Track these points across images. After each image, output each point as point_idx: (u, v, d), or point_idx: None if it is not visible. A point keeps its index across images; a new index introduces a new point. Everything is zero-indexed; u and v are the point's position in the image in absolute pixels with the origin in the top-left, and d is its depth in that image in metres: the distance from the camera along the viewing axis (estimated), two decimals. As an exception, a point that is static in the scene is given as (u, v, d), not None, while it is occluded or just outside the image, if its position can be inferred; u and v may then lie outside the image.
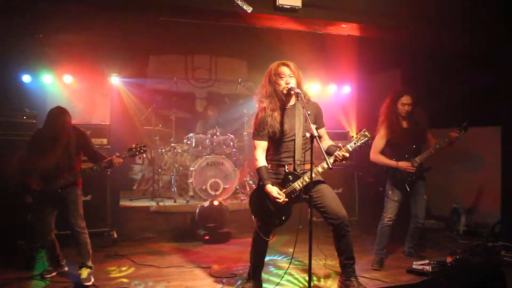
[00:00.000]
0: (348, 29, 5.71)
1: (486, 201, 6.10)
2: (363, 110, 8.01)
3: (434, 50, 6.48)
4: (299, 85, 3.62)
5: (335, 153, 3.55)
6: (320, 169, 3.63)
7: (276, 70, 3.66)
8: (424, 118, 4.85)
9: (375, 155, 4.82)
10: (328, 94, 8.41)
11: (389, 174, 4.81)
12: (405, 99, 4.77)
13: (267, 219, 3.73)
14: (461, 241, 5.76)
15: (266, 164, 3.71)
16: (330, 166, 3.36)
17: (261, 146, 3.72)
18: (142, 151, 4.43)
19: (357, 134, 3.67)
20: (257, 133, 3.72)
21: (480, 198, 6.19)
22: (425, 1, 5.21)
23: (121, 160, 4.31)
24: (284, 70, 3.64)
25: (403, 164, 4.71)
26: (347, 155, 3.54)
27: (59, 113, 4.30)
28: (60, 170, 4.20)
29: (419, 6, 5.25)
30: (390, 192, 4.78)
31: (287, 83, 3.61)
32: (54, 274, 4.40)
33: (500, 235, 5.58)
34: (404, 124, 4.82)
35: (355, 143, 3.61)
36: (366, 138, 3.62)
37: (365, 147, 3.80)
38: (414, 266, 4.47)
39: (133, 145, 4.42)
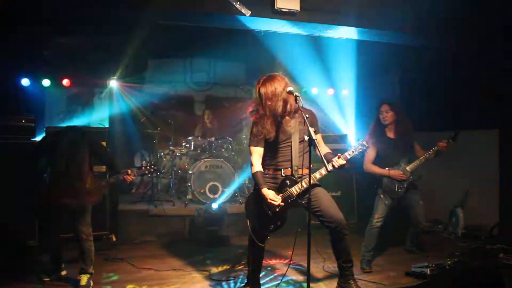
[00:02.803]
0: (346, 32, 5.74)
1: (484, 203, 6.11)
2: (362, 113, 8.03)
3: (432, 53, 6.51)
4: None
5: (332, 160, 3.56)
6: (318, 176, 3.66)
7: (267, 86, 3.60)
8: (409, 127, 4.92)
9: (368, 165, 4.92)
10: (327, 97, 8.43)
11: (382, 183, 4.86)
12: (383, 107, 4.89)
13: (263, 224, 3.73)
14: (460, 244, 5.77)
15: (261, 170, 3.72)
16: (329, 170, 3.37)
17: (258, 152, 3.73)
18: (151, 170, 4.52)
19: (355, 138, 3.71)
20: (253, 140, 3.73)
21: (478, 201, 6.20)
22: (422, 4, 5.24)
23: (134, 177, 4.38)
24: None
25: (395, 173, 4.78)
26: (345, 162, 3.57)
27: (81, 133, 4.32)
28: (75, 190, 4.11)
29: (416, 9, 5.28)
30: (381, 195, 4.83)
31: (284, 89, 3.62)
32: (53, 277, 4.38)
33: (499, 238, 5.60)
34: (391, 135, 4.90)
35: (353, 152, 3.65)
36: (364, 148, 3.68)
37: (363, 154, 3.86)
38: (412, 269, 4.48)
39: (143, 163, 4.48)
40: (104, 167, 5.25)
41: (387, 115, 4.85)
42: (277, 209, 3.61)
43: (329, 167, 3.48)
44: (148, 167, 4.48)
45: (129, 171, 4.34)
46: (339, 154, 3.60)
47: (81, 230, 4.19)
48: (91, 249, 4.25)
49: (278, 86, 3.55)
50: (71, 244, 4.36)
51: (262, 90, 3.57)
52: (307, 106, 3.81)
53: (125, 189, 7.88)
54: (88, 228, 4.23)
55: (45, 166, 4.29)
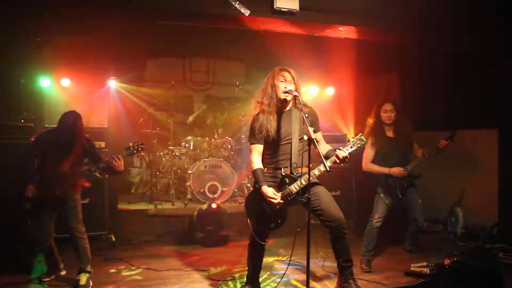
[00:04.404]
0: (345, 32, 5.73)
1: (484, 203, 6.10)
2: (361, 113, 8.02)
3: (431, 52, 6.50)
4: (297, 92, 3.65)
5: (335, 152, 3.56)
6: (317, 172, 3.65)
7: (278, 74, 3.70)
8: (408, 127, 4.95)
9: (367, 165, 4.93)
10: (326, 97, 8.43)
11: (382, 182, 4.86)
12: (386, 106, 4.89)
13: (263, 222, 3.73)
14: (459, 243, 5.76)
15: (261, 167, 3.72)
16: (328, 169, 3.37)
17: (257, 149, 3.74)
18: (140, 149, 4.39)
19: (353, 138, 3.69)
20: (254, 136, 3.74)
21: (478, 200, 6.19)
22: (421, 3, 5.24)
23: (121, 161, 4.26)
24: (285, 75, 3.69)
25: (395, 170, 4.79)
26: (346, 154, 3.56)
27: (76, 117, 4.28)
28: (63, 176, 4.14)
29: (416, 8, 5.28)
30: (382, 195, 4.83)
31: (285, 88, 3.63)
32: (52, 277, 4.39)
33: (498, 237, 5.59)
34: (390, 134, 4.92)
35: (351, 147, 3.64)
36: (363, 142, 3.66)
37: (361, 151, 3.85)
38: (412, 268, 4.48)
39: (130, 144, 4.38)
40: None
41: (392, 115, 4.86)
42: (277, 207, 3.60)
43: (328, 164, 3.44)
44: (136, 146, 4.37)
45: (116, 155, 4.27)
46: (340, 148, 3.61)
47: (74, 228, 4.19)
48: (86, 246, 4.25)
49: (270, 73, 3.75)
50: (70, 244, 4.35)
51: (264, 80, 3.79)
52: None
53: (124, 189, 7.88)
54: (81, 226, 4.23)
55: (36, 167, 4.29)
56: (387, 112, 4.87)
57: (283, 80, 3.66)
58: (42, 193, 4.15)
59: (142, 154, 8.05)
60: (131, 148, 4.37)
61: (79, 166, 4.29)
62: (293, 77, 3.69)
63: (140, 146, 4.39)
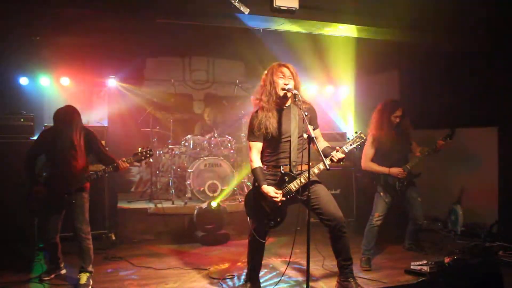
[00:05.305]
0: (345, 30, 5.72)
1: (484, 201, 6.11)
2: (361, 111, 8.03)
3: (431, 50, 6.50)
4: (296, 88, 3.63)
5: (331, 154, 3.56)
6: (316, 171, 3.64)
7: (277, 70, 3.67)
8: (409, 126, 4.96)
9: (367, 163, 4.91)
10: (326, 95, 8.43)
11: (381, 180, 4.86)
12: (398, 112, 4.87)
13: (263, 221, 3.73)
14: (459, 242, 5.77)
15: (261, 165, 3.71)
16: (328, 167, 3.37)
17: (256, 147, 3.73)
18: (148, 155, 4.35)
19: (353, 135, 3.70)
20: (253, 134, 3.72)
21: (478, 199, 6.20)
22: (421, 2, 5.23)
23: (128, 165, 4.24)
24: (284, 71, 3.66)
25: (395, 170, 4.78)
26: (343, 156, 3.56)
27: (70, 112, 4.23)
28: (69, 173, 4.13)
29: (416, 7, 5.26)
30: (381, 193, 4.83)
31: (285, 84, 3.62)
32: (52, 276, 4.39)
33: (498, 235, 5.60)
34: (392, 133, 4.89)
35: (351, 145, 3.64)
36: (362, 140, 3.66)
37: (361, 149, 3.84)
38: (412, 267, 4.49)
39: (139, 149, 4.33)
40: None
41: (400, 120, 4.86)
42: (278, 205, 3.60)
43: (327, 162, 3.44)
44: (144, 153, 4.33)
45: (124, 159, 4.24)
46: (337, 148, 3.60)
47: (80, 228, 4.18)
48: (90, 247, 4.25)
49: (269, 70, 3.72)
50: (70, 243, 4.36)
51: (263, 76, 3.75)
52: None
53: (124, 187, 7.88)
54: (86, 226, 4.23)
55: (43, 165, 4.29)
56: (397, 118, 4.86)
57: (282, 76, 3.63)
58: (50, 192, 4.14)
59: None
60: (139, 154, 4.32)
61: (86, 164, 4.27)
62: (292, 73, 3.66)
63: (148, 152, 4.34)
